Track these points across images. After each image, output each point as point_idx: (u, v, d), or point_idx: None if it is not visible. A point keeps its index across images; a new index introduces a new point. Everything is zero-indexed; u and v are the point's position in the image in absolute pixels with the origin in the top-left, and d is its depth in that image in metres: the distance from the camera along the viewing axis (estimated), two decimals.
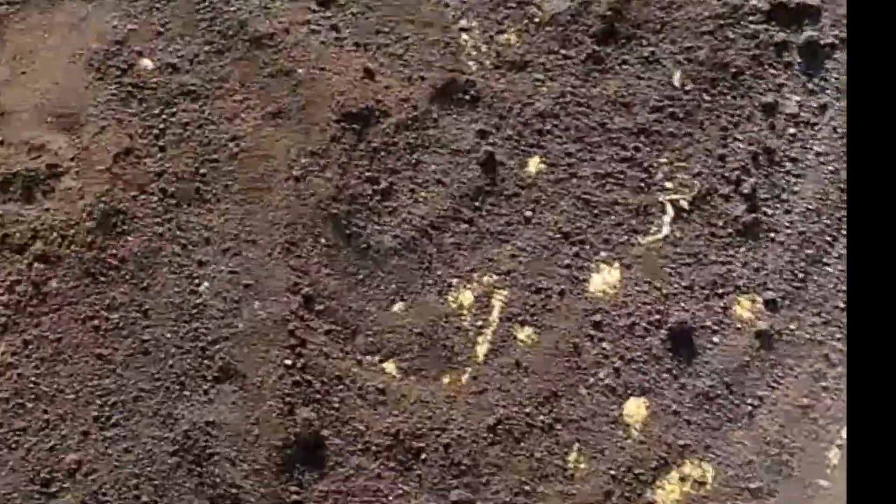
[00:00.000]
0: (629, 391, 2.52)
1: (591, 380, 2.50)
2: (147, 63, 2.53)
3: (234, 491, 2.38)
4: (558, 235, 2.55)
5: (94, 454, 2.39)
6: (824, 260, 2.55)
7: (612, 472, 2.48)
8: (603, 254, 2.55)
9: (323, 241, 2.51)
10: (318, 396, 2.45)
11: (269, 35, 2.55)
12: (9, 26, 2.52)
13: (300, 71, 2.56)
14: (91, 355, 2.34)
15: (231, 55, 2.55)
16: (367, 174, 2.55)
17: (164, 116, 2.52)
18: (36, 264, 2.43)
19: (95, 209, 2.47)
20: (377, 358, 2.46)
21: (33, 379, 2.40)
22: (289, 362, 2.45)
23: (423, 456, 2.44)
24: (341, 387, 2.45)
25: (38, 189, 2.48)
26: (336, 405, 2.44)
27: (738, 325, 2.53)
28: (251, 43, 2.47)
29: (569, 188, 2.57)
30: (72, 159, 2.49)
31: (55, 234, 2.45)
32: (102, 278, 2.42)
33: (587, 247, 2.55)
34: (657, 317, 2.51)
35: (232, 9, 2.58)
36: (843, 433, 2.46)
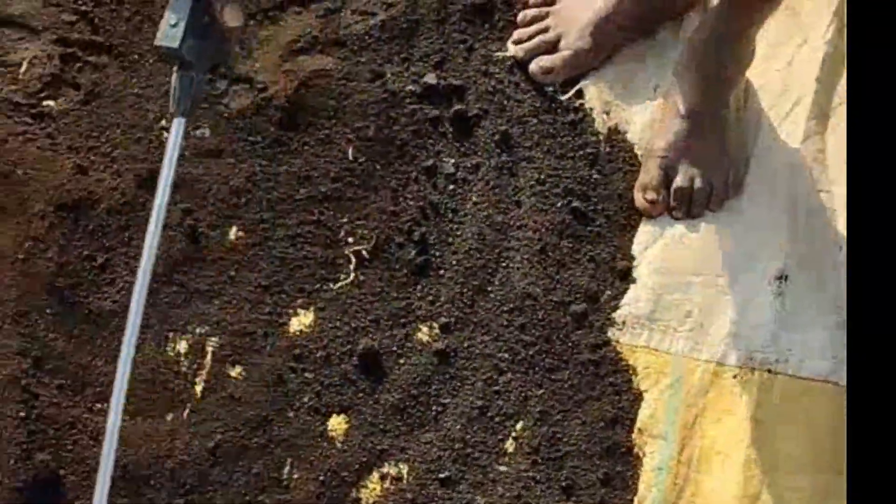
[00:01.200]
0: (331, 410, 2.80)
1: (297, 403, 2.78)
2: None
3: None
4: (259, 289, 2.88)
5: None
6: (488, 288, 2.91)
7: (322, 478, 2.74)
8: (299, 300, 2.87)
9: (48, 311, 2.80)
10: (54, 441, 2.71)
11: None
12: None
13: (18, 172, 2.89)
14: None
15: None
16: (86, 253, 2.86)
17: None
18: None
19: None
20: (106, 405, 2.74)
21: None
22: (23, 414, 2.71)
23: (152, 482, 2.71)
24: (74, 431, 2.72)
25: None
26: (70, 447, 2.71)
27: (420, 348, 2.84)
28: None
29: (265, 249, 2.91)
30: None
31: None
32: None
33: (284, 296, 2.88)
34: (349, 346, 2.82)
35: None
36: (518, 426, 2.81)
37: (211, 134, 2.92)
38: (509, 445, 2.63)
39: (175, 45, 1.96)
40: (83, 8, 3.08)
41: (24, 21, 3.10)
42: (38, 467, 2.68)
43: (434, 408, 2.67)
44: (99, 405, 2.69)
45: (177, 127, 2.02)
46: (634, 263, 2.66)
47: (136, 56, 3.03)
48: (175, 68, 2.05)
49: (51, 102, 2.99)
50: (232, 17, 1.96)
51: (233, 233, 2.83)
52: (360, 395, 2.74)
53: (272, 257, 2.80)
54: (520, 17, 2.82)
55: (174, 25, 1.94)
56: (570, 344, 2.68)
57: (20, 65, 3.03)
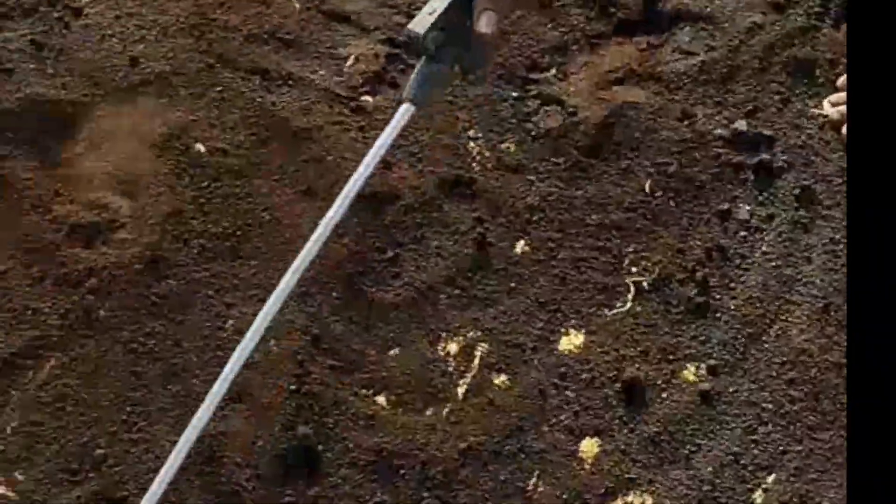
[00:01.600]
0: (585, 431, 2.83)
1: (554, 420, 2.83)
2: (200, 147, 2.99)
3: (237, 490, 2.72)
4: (535, 304, 2.94)
5: (119, 451, 2.74)
6: (763, 338, 2.90)
7: (565, 496, 2.78)
8: (572, 321, 2.92)
9: (334, 294, 2.92)
10: (317, 418, 2.82)
11: (307, 129, 3.00)
12: (91, 111, 3.00)
13: (329, 158, 3.02)
14: (126, 373, 2.67)
15: (273, 144, 3.00)
16: (378, 245, 2.97)
17: (210, 189, 2.97)
18: (88, 296, 2.86)
19: (143, 256, 2.89)
20: (371, 391, 2.84)
21: (74, 388, 2.80)
22: (294, 388, 2.83)
23: (402, 471, 2.78)
24: (337, 412, 2.82)
25: (98, 238, 2.94)
26: (331, 426, 2.81)
27: (684, 385, 2.85)
28: (291, 135, 2.90)
29: (548, 268, 2.97)
30: (129, 217, 2.94)
31: (107, 273, 2.87)
32: (143, 311, 2.81)
33: (559, 314, 2.93)
34: (614, 373, 2.86)
35: (277, 109, 3.04)
36: (770, 479, 2.78)
37: (515, 149, 2.95)
38: (758, 496, 2.63)
39: (421, 31, 1.99)
40: (415, 12, 3.17)
41: (357, 19, 3.23)
42: (300, 439, 2.78)
43: (688, 447, 2.67)
44: (365, 391, 2.76)
45: (403, 112, 2.03)
46: None
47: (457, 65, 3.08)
48: (422, 57, 2.08)
49: (368, 98, 3.10)
50: (486, 24, 1.99)
51: (519, 247, 2.88)
52: (617, 421, 2.75)
53: (553, 276, 2.83)
54: (840, 80, 2.79)
55: (430, 14, 1.98)
56: (838, 405, 2.62)
57: (347, 59, 3.15)
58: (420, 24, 1.94)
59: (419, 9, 2.67)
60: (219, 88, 3.18)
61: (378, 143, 2.04)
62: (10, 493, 2.57)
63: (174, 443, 2.47)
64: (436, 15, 1.93)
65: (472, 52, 1.99)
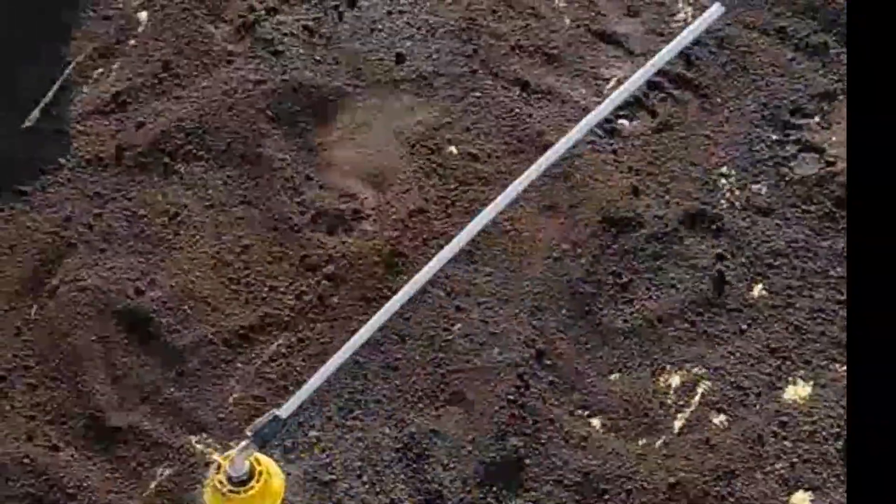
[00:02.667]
0: (799, 485, 2.77)
1: (768, 468, 2.76)
2: (453, 149, 3.01)
3: (440, 489, 2.73)
4: (765, 349, 2.88)
5: (332, 436, 2.77)
6: None
7: None
8: (801, 371, 2.85)
9: (564, 311, 2.91)
10: (529, 431, 2.81)
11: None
12: (350, 103, 3.05)
13: (577, 176, 3.01)
14: (349, 360, 2.69)
15: (524, 155, 3.01)
16: (614, 269, 2.95)
17: (457, 191, 2.99)
18: (324, 282, 2.91)
19: (383, 249, 2.92)
20: (586, 413, 2.82)
21: (298, 368, 2.85)
22: (511, 398, 2.83)
23: (607, 496, 2.76)
24: (551, 428, 2.81)
25: (341, 227, 2.98)
26: (542, 441, 2.80)
27: None
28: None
29: (784, 315, 2.91)
30: (374, 209, 2.98)
31: (345, 262, 2.92)
32: (375, 303, 2.84)
33: (788, 363, 2.86)
34: (837, 430, 2.79)
35: (533, 121, 3.05)
36: None
37: (767, 192, 2.90)
38: None
39: None
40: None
41: (625, 42, 3.21)
42: (508, 450, 2.77)
43: None
44: (581, 412, 2.75)
45: (714, 11, 1.95)
46: None
47: (718, 100, 3.08)
48: None
49: (625, 122, 3.07)
50: None
51: (757, 290, 2.84)
52: (834, 479, 2.68)
53: (788, 323, 2.79)
54: None
55: None
56: None
57: (609, 81, 3.14)
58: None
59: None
60: (478, 94, 3.20)
61: (679, 37, 1.98)
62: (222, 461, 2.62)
63: (387, 435, 2.51)
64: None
65: None
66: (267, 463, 2.62)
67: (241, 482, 2.55)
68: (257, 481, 2.56)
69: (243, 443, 2.42)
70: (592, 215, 2.94)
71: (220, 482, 2.55)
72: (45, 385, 2.79)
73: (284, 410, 2.39)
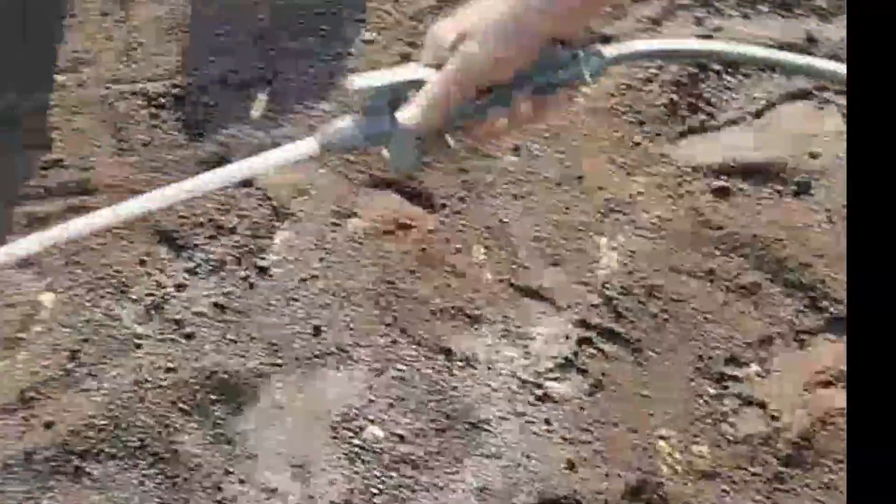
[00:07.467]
0: None
1: None
2: (377, 431, 2.86)
3: None
4: None
5: None
6: None
7: None
8: None
9: None
10: None
11: (487, 420, 2.85)
12: (267, 386, 2.92)
13: (507, 453, 2.86)
14: None
15: (449, 433, 2.85)
16: None
17: (383, 479, 2.83)
18: None
19: None
20: None
21: None
22: None
23: None
24: None
25: None
26: None
27: None
28: (470, 426, 2.75)
29: None
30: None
31: None
32: None
33: None
34: None
35: (458, 395, 2.89)
36: None
37: (708, 453, 2.74)
38: None
39: (364, 85, 1.71)
40: (609, 293, 3.01)
41: (550, 295, 3.06)
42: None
43: None
44: None
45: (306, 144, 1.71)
46: None
47: (652, 354, 2.93)
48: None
49: (555, 384, 2.92)
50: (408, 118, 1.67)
51: None
52: None
53: None
54: None
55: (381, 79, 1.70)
56: None
57: (535, 339, 3.00)
58: (367, 80, 1.66)
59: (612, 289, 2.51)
60: (401, 367, 3.03)
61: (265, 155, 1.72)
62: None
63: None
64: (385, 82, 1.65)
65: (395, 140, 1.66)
66: None
67: None
68: None
69: None
70: (531, 500, 2.77)
71: None
72: None
73: None
